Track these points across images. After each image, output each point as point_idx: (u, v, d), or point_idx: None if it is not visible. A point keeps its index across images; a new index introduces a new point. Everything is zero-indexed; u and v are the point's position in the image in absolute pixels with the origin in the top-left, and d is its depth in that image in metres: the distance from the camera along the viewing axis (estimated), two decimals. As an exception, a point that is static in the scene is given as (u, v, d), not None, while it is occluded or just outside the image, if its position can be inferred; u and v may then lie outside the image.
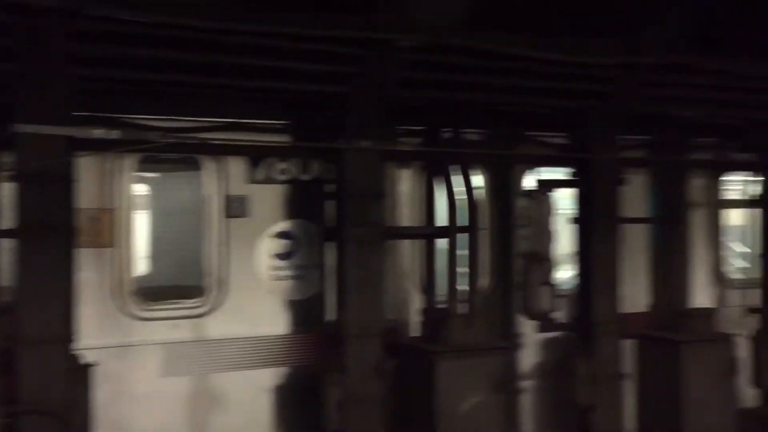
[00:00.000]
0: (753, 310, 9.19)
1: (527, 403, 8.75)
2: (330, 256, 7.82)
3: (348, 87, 7.32)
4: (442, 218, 8.22)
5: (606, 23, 7.82)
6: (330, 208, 7.87)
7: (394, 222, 8.24)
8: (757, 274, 9.58)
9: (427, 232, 8.28)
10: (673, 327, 8.85)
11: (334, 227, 7.73)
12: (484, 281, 8.48)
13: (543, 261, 8.61)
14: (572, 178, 8.64)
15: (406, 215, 8.41)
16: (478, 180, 8.50)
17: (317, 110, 7.72)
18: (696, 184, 9.73)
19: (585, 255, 8.52)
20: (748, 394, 9.27)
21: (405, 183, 8.41)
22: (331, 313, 7.82)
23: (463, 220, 8.08)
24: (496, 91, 7.80)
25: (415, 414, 7.85)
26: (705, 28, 8.10)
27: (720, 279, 9.92)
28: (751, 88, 8.53)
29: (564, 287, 8.81)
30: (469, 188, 8.07)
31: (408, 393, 7.85)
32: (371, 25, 6.98)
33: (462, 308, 8.06)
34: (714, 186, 9.97)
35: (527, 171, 8.89)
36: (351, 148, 7.42)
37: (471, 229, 8.08)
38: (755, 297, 9.40)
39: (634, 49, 7.78)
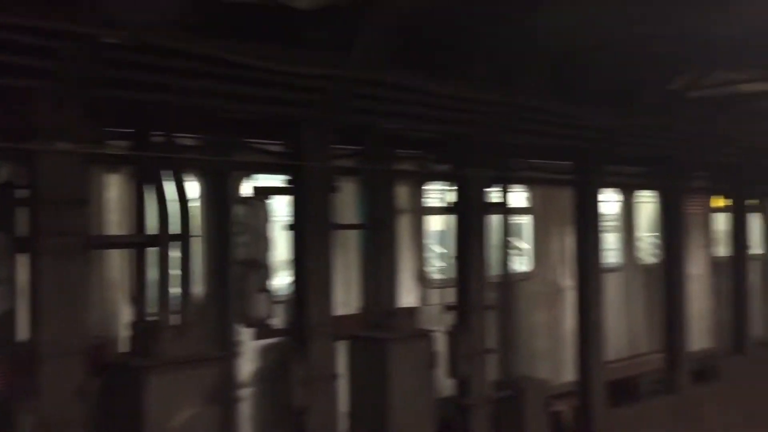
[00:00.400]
0: (449, 308, 7.66)
1: (247, 411, 6.71)
2: (23, 269, 5.31)
3: (42, 82, 4.92)
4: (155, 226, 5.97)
5: (323, 37, 6.02)
6: (23, 215, 5.36)
7: (100, 230, 5.89)
8: (453, 274, 8.03)
9: (136, 240, 5.99)
10: (381, 326, 7.14)
11: (27, 237, 5.25)
12: (199, 290, 6.33)
13: (260, 268, 6.58)
14: (287, 186, 6.66)
15: (115, 223, 6.08)
16: (193, 187, 6.36)
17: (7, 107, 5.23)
18: (402, 192, 8.16)
19: (299, 261, 6.61)
20: (446, 384, 7.70)
21: (113, 189, 6.06)
22: (24, 333, 5.32)
23: (176, 227, 5.87)
24: (209, 96, 5.71)
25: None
26: (415, 49, 6.58)
27: (423, 279, 8.40)
28: (447, 106, 7.01)
29: (281, 293, 6.84)
30: (182, 195, 5.92)
31: (116, 413, 5.58)
32: (69, 17, 4.76)
33: (174, 319, 5.85)
34: (417, 194, 8.44)
35: (245, 178, 6.83)
36: (46, 151, 5.01)
37: (183, 237, 5.94)
38: (452, 295, 7.85)
39: (341, 62, 6.06)
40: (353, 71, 6.09)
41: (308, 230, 6.60)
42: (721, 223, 12.29)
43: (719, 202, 12.22)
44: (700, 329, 11.65)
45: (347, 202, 7.53)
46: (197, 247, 6.37)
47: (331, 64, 6.02)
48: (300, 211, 6.61)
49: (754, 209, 12.58)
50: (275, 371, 6.85)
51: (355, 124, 6.90)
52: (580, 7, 6.39)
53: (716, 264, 12.34)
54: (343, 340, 7.07)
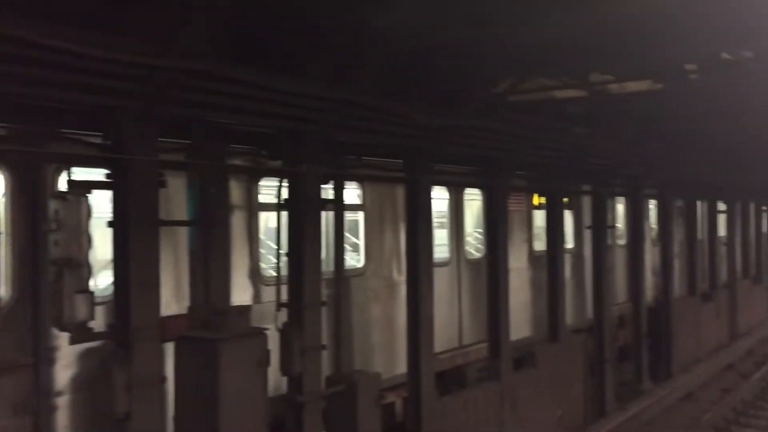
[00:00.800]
0: (282, 305, 7.31)
1: (64, 420, 6.04)
2: None
3: None
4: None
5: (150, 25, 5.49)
6: None
7: None
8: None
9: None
10: (211, 326, 6.67)
11: None
12: (5, 292, 5.61)
13: (79, 267, 5.91)
14: (109, 180, 6.05)
15: None
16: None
17: None
18: (235, 188, 7.73)
19: (122, 259, 6.03)
20: (280, 382, 7.37)
21: None
22: None
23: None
24: (16, 82, 5.02)
25: None
26: (250, 43, 6.21)
27: (256, 277, 8.00)
28: (280, 101, 6.68)
29: (103, 294, 6.23)
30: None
31: None
32: None
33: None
34: (252, 190, 8.03)
35: (62, 171, 6.15)
36: None
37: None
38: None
39: (167, 52, 5.51)
40: (178, 61, 5.61)
41: (132, 227, 6.03)
42: (541, 219, 12.79)
43: (539, 200, 12.71)
44: (521, 319, 12.06)
45: (176, 197, 7.02)
46: (2, 246, 5.64)
47: (154, 53, 5.51)
48: (122, 206, 6.04)
49: (567, 207, 13.22)
50: (96, 377, 6.23)
51: (183, 116, 6.41)
52: (411, 10, 6.31)
53: (536, 258, 12.85)
54: (171, 341, 6.57)
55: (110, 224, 6.09)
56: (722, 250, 19.60)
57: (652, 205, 16.76)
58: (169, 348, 6.61)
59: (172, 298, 7.11)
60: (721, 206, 19.57)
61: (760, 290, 21.99)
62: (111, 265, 6.23)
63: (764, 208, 23.21)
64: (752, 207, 21.99)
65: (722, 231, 19.83)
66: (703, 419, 12.69)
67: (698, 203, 17.76)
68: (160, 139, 6.29)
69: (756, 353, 18.01)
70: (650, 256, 15.58)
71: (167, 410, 6.53)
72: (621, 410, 12.34)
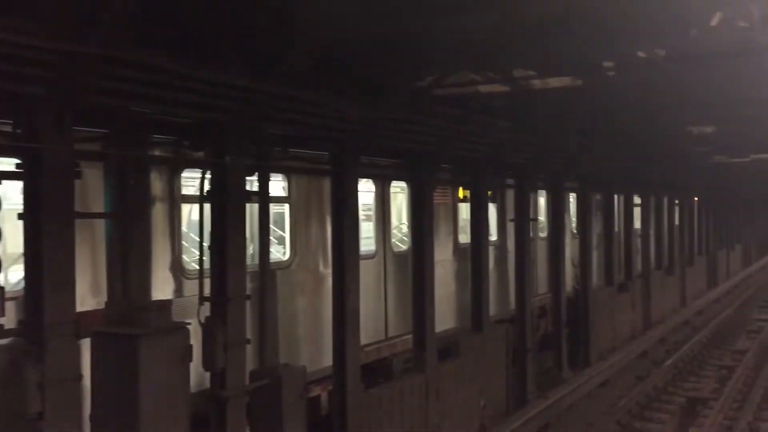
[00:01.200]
0: (205, 299, 7.14)
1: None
2: None
3: None
4: None
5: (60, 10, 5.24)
6: None
7: None
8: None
9: None
10: (131, 321, 6.43)
11: None
12: None
13: (-14, 261, 5.62)
14: (20, 170, 5.76)
15: None
16: None
17: None
18: (156, 179, 7.48)
19: (34, 253, 5.76)
20: (203, 377, 7.19)
21: None
22: None
23: None
24: None
25: None
26: (174, 31, 6.06)
27: (179, 270, 7.78)
28: (202, 90, 6.50)
29: (13, 289, 5.92)
30: None
31: None
32: None
33: None
34: (174, 181, 7.80)
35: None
36: None
37: None
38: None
39: (83, 38, 5.33)
40: (95, 48, 5.37)
41: (45, 219, 5.76)
42: (466, 212, 12.92)
43: (465, 193, 12.83)
44: (446, 311, 12.16)
45: (94, 188, 6.74)
46: None
47: (68, 39, 5.26)
48: (34, 198, 5.76)
49: (491, 200, 13.39)
50: (5, 376, 5.92)
51: (101, 105, 6.14)
52: (336, 1, 6.23)
53: (461, 251, 12.97)
54: (87, 337, 6.30)
55: (21, 216, 5.79)
56: (637, 242, 20.29)
57: (572, 198, 17.17)
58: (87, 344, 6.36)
59: (89, 293, 6.83)
60: (637, 200, 20.25)
61: (672, 281, 22.87)
62: (22, 259, 5.95)
63: (676, 201, 24.14)
64: (665, 201, 22.83)
65: (638, 224, 20.52)
66: (618, 405, 13.09)
67: (615, 197, 18.30)
68: (76, 128, 6.03)
69: (668, 341, 18.72)
70: (570, 248, 15.96)
71: (83, 409, 6.27)
72: (542, 398, 12.61)
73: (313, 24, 6.48)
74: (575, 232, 16.84)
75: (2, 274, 5.90)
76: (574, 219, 17.28)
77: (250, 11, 6.31)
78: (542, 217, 16.00)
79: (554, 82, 9.37)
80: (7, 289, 5.87)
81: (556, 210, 14.88)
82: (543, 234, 15.79)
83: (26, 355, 5.71)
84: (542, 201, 16.07)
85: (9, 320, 5.88)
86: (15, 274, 6.33)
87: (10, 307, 5.88)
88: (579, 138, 13.01)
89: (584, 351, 15.38)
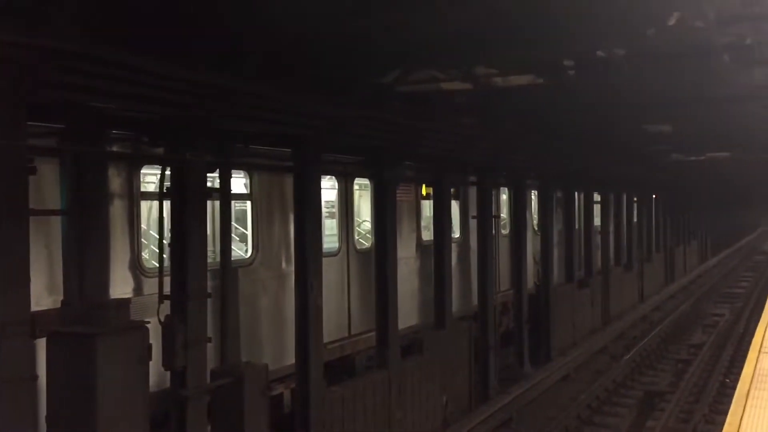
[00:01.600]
0: (165, 297, 7.03)
1: None
2: None
3: None
4: None
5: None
6: None
7: None
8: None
9: None
10: (88, 320, 6.30)
11: None
12: None
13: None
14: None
15: None
16: None
17: None
18: (115, 176, 7.33)
19: (-12, 251, 5.57)
20: (164, 376, 7.08)
21: None
22: None
23: None
24: None
25: None
26: (131, 25, 5.91)
27: (138, 268, 7.64)
28: (161, 86, 6.38)
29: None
30: None
31: None
32: None
33: None
34: (133, 178, 7.65)
35: None
36: None
37: None
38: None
39: (31, 30, 5.16)
40: (49, 41, 5.23)
41: (-3, 216, 5.60)
42: (429, 210, 12.93)
43: (428, 190, 12.84)
44: (409, 308, 12.17)
45: (50, 185, 6.58)
46: None
47: (21, 31, 5.11)
48: (-13, 194, 5.59)
49: (454, 197, 13.43)
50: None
51: (56, 99, 5.99)
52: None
53: (424, 247, 12.99)
54: (42, 337, 6.16)
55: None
56: (597, 239, 20.56)
57: (534, 195, 17.31)
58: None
59: (45, 292, 6.67)
60: (597, 197, 20.51)
61: (630, 277, 23.23)
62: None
63: (635, 199, 24.51)
64: (624, 198, 23.16)
65: (597, 221, 20.78)
66: (578, 399, 13.24)
67: (576, 194, 18.51)
68: (31, 123, 5.87)
69: (626, 336, 19.00)
70: (532, 245, 16.10)
71: (38, 410, 6.12)
72: (504, 394, 12.70)
73: (275, 19, 6.40)
74: (537, 229, 16.99)
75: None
76: (535, 216, 17.44)
77: (211, 6, 6.21)
78: (504, 215, 16.11)
79: (516, 80, 9.41)
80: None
81: (518, 207, 14.99)
82: (505, 231, 15.89)
83: (-21, 356, 5.55)
84: (504, 198, 16.18)
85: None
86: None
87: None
88: (541, 136, 13.11)
89: (545, 347, 15.54)
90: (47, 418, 6.17)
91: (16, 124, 5.66)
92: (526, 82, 9.36)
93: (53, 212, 6.55)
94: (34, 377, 5.85)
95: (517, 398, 12.67)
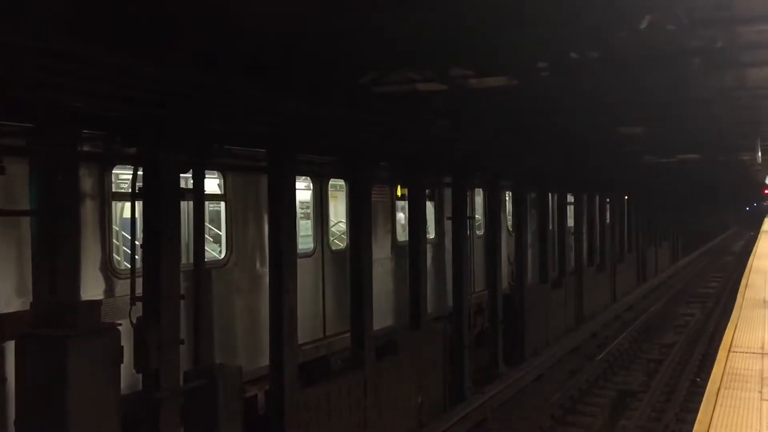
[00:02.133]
0: (137, 298, 6.94)
1: None
2: None
3: None
4: None
5: None
6: None
7: None
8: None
9: None
10: (58, 322, 6.19)
11: None
12: None
13: None
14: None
15: None
16: None
17: None
18: (86, 176, 7.23)
19: (-46, 252, 5.47)
20: (135, 379, 6.99)
21: None
22: None
23: None
24: None
25: None
26: (107, 23, 5.84)
27: (110, 270, 7.54)
28: (134, 84, 6.29)
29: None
30: None
31: None
32: None
33: None
34: (104, 178, 7.55)
35: None
36: None
37: None
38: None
39: (7, 28, 5.06)
40: (18, 37, 5.13)
41: (-35, 217, 5.51)
42: (404, 210, 12.93)
43: (403, 191, 12.84)
44: (384, 309, 12.15)
45: (18, 184, 6.47)
46: None
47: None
48: (-46, 194, 5.50)
49: (429, 198, 13.45)
50: None
51: (25, 98, 5.88)
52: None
53: (399, 248, 12.98)
54: (10, 340, 6.05)
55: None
56: (571, 240, 20.71)
57: (509, 196, 17.40)
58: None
59: (14, 294, 6.56)
60: (570, 198, 20.66)
61: (603, 277, 23.44)
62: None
63: (608, 200, 24.74)
64: (597, 199, 23.37)
65: (571, 222, 20.94)
66: (552, 399, 13.32)
67: (550, 195, 18.63)
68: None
69: (599, 336, 19.17)
70: (506, 246, 16.17)
71: (7, 414, 6.01)
72: (478, 394, 12.73)
73: (252, 19, 6.36)
74: (511, 230, 17.07)
75: None
76: (510, 217, 17.52)
77: (187, 5, 6.14)
78: (479, 215, 16.16)
79: (491, 81, 9.45)
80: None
81: (493, 208, 15.05)
82: (480, 232, 15.94)
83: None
84: (479, 199, 16.23)
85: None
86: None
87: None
88: (516, 137, 13.17)
89: (519, 347, 15.62)
90: (16, 422, 6.06)
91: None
92: (500, 84, 9.40)
93: (23, 213, 6.44)
94: (3, 380, 5.75)
95: (492, 398, 12.72)
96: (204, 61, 6.74)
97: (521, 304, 15.78)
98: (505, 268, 15.75)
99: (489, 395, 12.71)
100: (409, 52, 7.90)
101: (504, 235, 15.98)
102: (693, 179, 29.91)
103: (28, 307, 6.51)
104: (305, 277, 10.24)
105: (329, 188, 11.61)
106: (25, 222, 6.66)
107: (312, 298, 10.87)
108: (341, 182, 11.72)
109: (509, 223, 17.42)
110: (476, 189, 15.62)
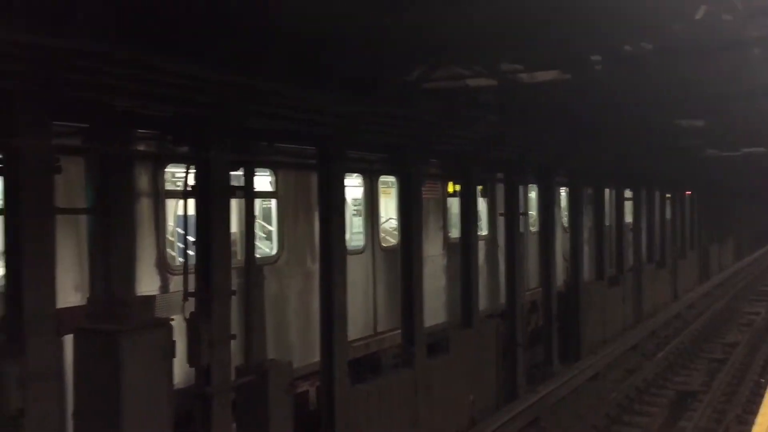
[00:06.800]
0: (190, 294, 7.08)
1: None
2: None
3: None
4: None
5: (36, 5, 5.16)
6: None
7: None
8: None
9: None
10: (113, 317, 6.37)
11: None
12: None
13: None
14: (0, 165, 5.69)
15: None
16: None
17: None
18: (140, 174, 7.41)
19: (14, 249, 5.69)
20: (188, 373, 7.14)
21: None
22: None
23: None
24: None
25: None
26: (153, 26, 5.94)
27: (163, 266, 7.71)
28: (185, 85, 6.42)
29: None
30: None
31: None
32: None
33: None
34: (158, 176, 7.73)
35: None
36: None
37: None
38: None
39: (60, 33, 5.20)
40: (74, 42, 5.29)
41: (24, 215, 5.69)
42: (455, 207, 12.87)
43: (454, 187, 12.77)
44: (435, 306, 12.12)
45: (75, 183, 6.67)
46: None
47: (47, 33, 5.18)
48: (14, 194, 5.69)
49: (482, 194, 13.34)
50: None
51: (81, 99, 6.07)
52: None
53: (451, 245, 12.92)
54: (68, 334, 6.25)
55: (0, 212, 5.72)
56: (629, 236, 20.27)
57: (564, 192, 17.13)
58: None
59: (73, 289, 6.77)
60: (628, 194, 20.21)
61: (664, 274, 22.88)
62: (3, 256, 5.89)
63: (668, 195, 24.13)
64: (657, 194, 22.81)
65: (629, 217, 20.50)
66: (608, 398, 13.07)
67: (606, 191, 18.26)
68: (56, 122, 5.96)
69: (659, 334, 18.72)
70: (561, 243, 15.93)
71: (66, 406, 6.21)
72: (532, 392, 12.59)
73: (299, 19, 6.41)
74: (566, 226, 16.81)
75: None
76: (565, 213, 17.25)
77: (234, 6, 6.23)
78: (533, 212, 15.96)
79: (542, 75, 9.32)
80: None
81: (547, 204, 14.85)
82: (534, 228, 15.74)
83: (6, 352, 5.65)
84: (533, 195, 16.03)
85: (-11, 316, 5.82)
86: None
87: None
88: (569, 132, 12.96)
89: (574, 345, 15.37)
90: (74, 414, 6.26)
91: (42, 124, 5.75)
92: (552, 78, 9.27)
93: (79, 211, 6.64)
94: (60, 373, 5.94)
95: (546, 397, 12.55)
96: (253, 61, 6.83)
97: (576, 302, 15.52)
98: (560, 265, 15.51)
99: (542, 393, 12.54)
100: (457, 48, 7.85)
101: (559, 231, 15.73)
102: (759, 174, 28.90)
103: (84, 302, 6.72)
104: (356, 274, 10.28)
105: (380, 185, 11.63)
106: (82, 220, 6.86)
107: (362, 295, 10.91)
108: (392, 178, 11.72)
109: (564, 219, 17.15)
110: (530, 184, 15.42)
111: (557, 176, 15.23)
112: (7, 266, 5.76)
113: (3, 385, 5.57)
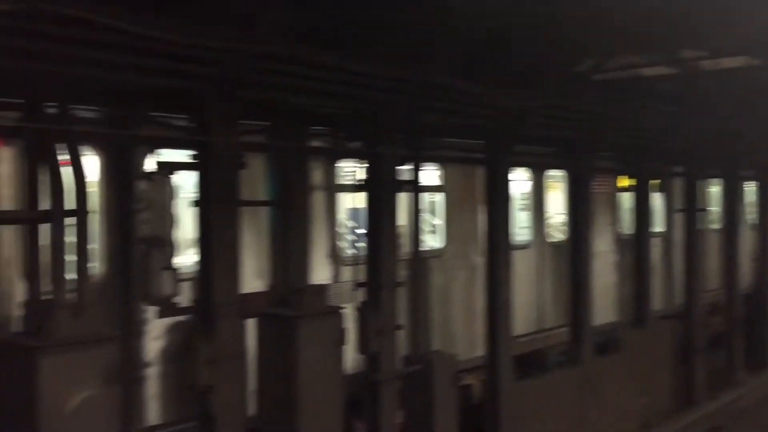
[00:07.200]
0: (359, 284, 7.44)
1: (151, 391, 6.38)
2: None
3: None
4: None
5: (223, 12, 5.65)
6: None
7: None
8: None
9: (28, 216, 5.54)
10: (290, 304, 6.86)
11: None
12: (100, 268, 5.93)
13: (164, 245, 6.20)
14: (193, 161, 6.28)
15: (7, 198, 5.62)
16: (92, 161, 5.94)
17: None
18: (314, 169, 7.89)
19: (205, 238, 6.27)
20: (356, 360, 7.51)
21: (4, 163, 5.59)
22: None
23: (72, 203, 5.46)
24: (105, 67, 5.26)
25: (15, 418, 5.18)
26: (324, 25, 6.29)
27: (335, 257, 8.15)
28: (358, 82, 6.72)
29: (186, 271, 6.49)
30: (78, 169, 5.47)
31: (7, 396, 5.19)
32: None
33: (72, 298, 5.45)
34: (330, 171, 8.18)
35: (149, 153, 6.42)
36: None
37: (79, 213, 5.49)
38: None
39: (245, 37, 5.62)
40: (256, 45, 5.74)
41: (214, 207, 6.26)
42: (627, 202, 12.45)
43: (625, 182, 12.37)
44: (604, 304, 11.80)
45: (256, 178, 7.22)
46: (97, 224, 5.97)
47: (233, 38, 5.66)
48: (205, 187, 6.27)
49: (656, 189, 12.79)
50: (180, 350, 6.53)
51: (263, 99, 6.57)
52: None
53: (621, 241, 12.52)
54: (251, 317, 6.80)
55: (195, 204, 6.33)
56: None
57: (752, 187, 15.97)
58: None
59: (254, 276, 7.33)
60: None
61: None
62: (193, 243, 6.49)
63: None
64: None
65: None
66: (800, 412, 12.13)
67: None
68: (241, 121, 6.49)
69: None
70: (749, 241, 14.90)
71: (247, 383, 6.76)
72: (711, 399, 11.93)
73: (466, 15, 6.52)
74: (752, 223, 15.68)
75: (177, 257, 6.47)
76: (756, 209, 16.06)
77: (402, 6, 6.44)
78: (714, 207, 15.04)
79: (727, 62, 8.81)
80: (183, 270, 6.44)
81: (731, 200, 13.95)
82: (715, 225, 14.83)
83: (197, 332, 6.25)
84: (715, 190, 15.11)
85: (185, 299, 6.45)
86: (188, 257, 6.92)
87: (185, 287, 6.43)
88: (757, 123, 12.10)
89: (762, 351, 14.35)
90: (257, 391, 6.80)
91: (230, 123, 6.29)
92: (739, 65, 8.74)
93: (261, 203, 7.18)
94: (242, 354, 6.47)
95: (727, 405, 11.85)
96: (418, 57, 7.02)
97: (764, 306, 14.47)
98: (745, 265, 14.52)
99: (723, 401, 11.86)
100: (632, 36, 7.61)
101: (744, 228, 14.72)
102: None
103: (265, 288, 7.26)
104: (521, 269, 10.26)
105: (546, 179, 11.50)
106: (263, 212, 7.41)
107: (528, 291, 10.86)
108: (559, 173, 11.55)
109: (750, 216, 16.00)
110: (710, 179, 14.54)
111: (743, 170, 14.26)
112: (201, 254, 6.35)
113: (195, 362, 6.17)
